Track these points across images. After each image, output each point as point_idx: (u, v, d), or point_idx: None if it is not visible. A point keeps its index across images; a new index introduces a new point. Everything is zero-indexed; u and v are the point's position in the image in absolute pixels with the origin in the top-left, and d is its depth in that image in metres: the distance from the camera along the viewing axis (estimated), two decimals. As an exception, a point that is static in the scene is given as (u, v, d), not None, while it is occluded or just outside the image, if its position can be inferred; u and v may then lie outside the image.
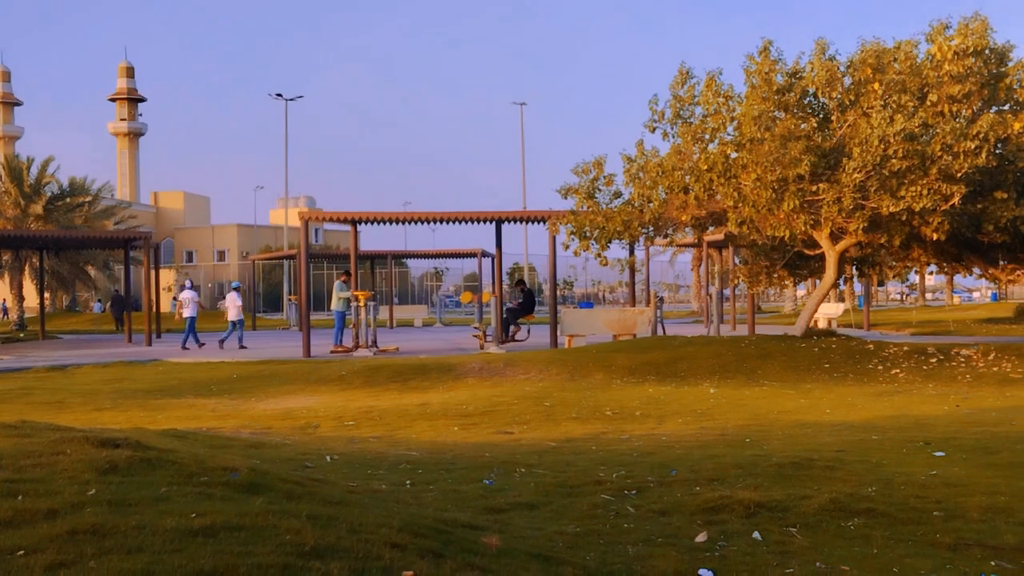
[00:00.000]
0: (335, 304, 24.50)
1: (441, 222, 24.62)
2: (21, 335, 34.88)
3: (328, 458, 7.66)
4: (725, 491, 6.00)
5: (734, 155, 17.28)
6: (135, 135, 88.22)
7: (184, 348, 26.11)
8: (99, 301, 58.11)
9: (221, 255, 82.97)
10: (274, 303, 70.03)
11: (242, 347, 26.31)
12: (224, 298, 22.29)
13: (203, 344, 26.60)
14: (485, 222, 24.83)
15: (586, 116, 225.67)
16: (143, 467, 4.93)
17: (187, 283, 28.49)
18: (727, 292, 38.01)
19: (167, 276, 64.70)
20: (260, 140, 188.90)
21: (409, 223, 24.62)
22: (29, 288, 49.99)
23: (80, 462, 4.92)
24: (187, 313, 27.53)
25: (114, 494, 4.34)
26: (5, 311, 59.05)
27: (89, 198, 44.66)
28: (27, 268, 42.56)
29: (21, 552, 3.56)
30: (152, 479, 4.70)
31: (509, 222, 25.31)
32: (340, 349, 23.37)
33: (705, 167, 17.23)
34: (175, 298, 66.85)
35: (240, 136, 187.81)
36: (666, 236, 21.40)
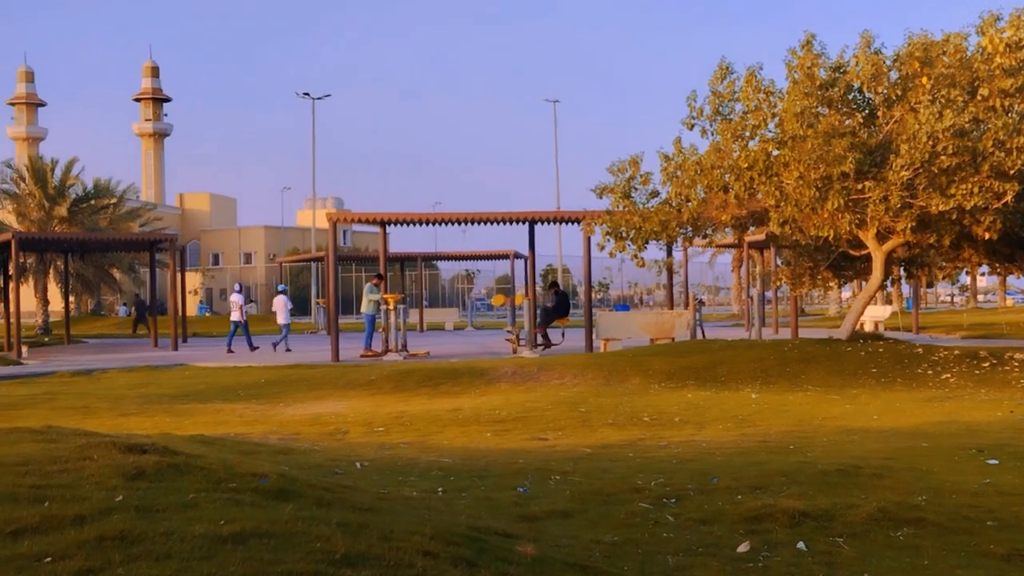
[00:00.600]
0: (365, 307, 24.63)
1: (472, 223, 24.66)
2: (46, 339, 35.37)
3: (358, 464, 7.70)
4: (768, 499, 5.97)
5: (776, 152, 17.18)
6: (160, 136, 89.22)
7: (229, 351, 26.56)
8: (124, 304, 58.83)
9: (248, 257, 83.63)
10: (302, 306, 70.50)
11: (287, 350, 26.74)
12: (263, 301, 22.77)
13: (256, 347, 26.98)
14: (518, 223, 24.85)
15: (621, 114, 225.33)
16: (171, 473, 4.98)
17: (236, 286, 28.92)
18: (769, 294, 37.77)
19: (193, 279, 65.33)
20: (287, 141, 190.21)
21: (439, 224, 24.69)
22: (54, 291, 50.65)
23: (107, 468, 4.99)
24: (235, 317, 27.91)
25: (142, 500, 4.39)
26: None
27: (114, 200, 45.15)
28: (51, 271, 43.12)
29: (49, 559, 3.60)
30: (180, 485, 4.74)
31: (542, 223, 25.31)
32: (370, 353, 23.48)
33: (745, 165, 17.15)
34: (202, 301, 67.67)
35: (267, 137, 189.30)
36: (705, 236, 21.32)
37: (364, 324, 24.77)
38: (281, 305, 27.72)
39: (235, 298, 28.21)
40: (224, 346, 27.71)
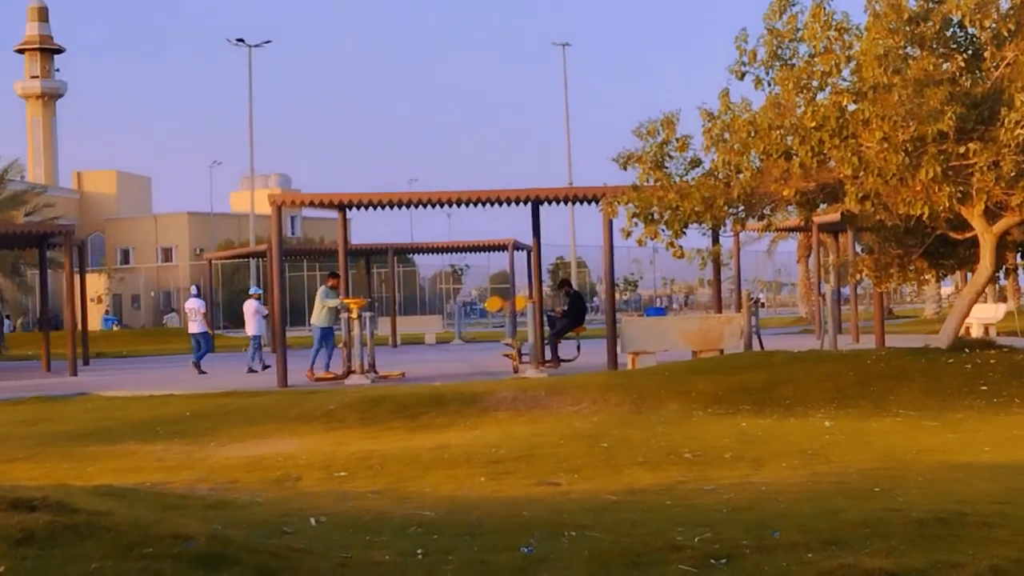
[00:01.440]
0: (318, 317, 24.65)
1: (459, 204, 24.64)
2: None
3: (313, 520, 7.69)
4: (847, 558, 5.97)
5: (852, 107, 17.17)
6: (51, 97, 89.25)
7: (201, 371, 27.22)
8: (7, 317, 58.79)
9: (167, 254, 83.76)
10: (237, 316, 70.41)
11: (257, 369, 27.40)
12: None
13: (204, 372, 27.36)
14: (518, 203, 24.86)
15: (650, 61, 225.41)
16: (68, 536, 4.98)
17: (193, 289, 29.61)
18: (846, 292, 37.80)
19: (96, 282, 65.39)
20: (217, 104, 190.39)
21: (416, 206, 24.66)
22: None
23: (-14, 529, 4.98)
24: (194, 329, 28.42)
25: (30, 572, 4.39)
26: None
27: (-9, 181, 45.23)
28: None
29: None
30: (80, 551, 4.74)
31: (550, 203, 25.33)
32: (325, 376, 23.49)
33: (813, 124, 17.13)
34: (109, 312, 67.69)
35: (190, 99, 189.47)
36: (762, 218, 21.29)
37: (314, 339, 24.82)
38: (252, 312, 28.36)
39: (193, 303, 28.60)
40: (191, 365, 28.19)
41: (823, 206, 21.08)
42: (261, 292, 29.97)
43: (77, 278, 33.52)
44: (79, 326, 32.97)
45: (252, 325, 28.36)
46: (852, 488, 8.90)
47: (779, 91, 18.26)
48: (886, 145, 16.50)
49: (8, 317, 58.34)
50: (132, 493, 8.51)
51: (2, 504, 5.51)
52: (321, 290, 25.07)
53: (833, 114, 17.07)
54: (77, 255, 33.91)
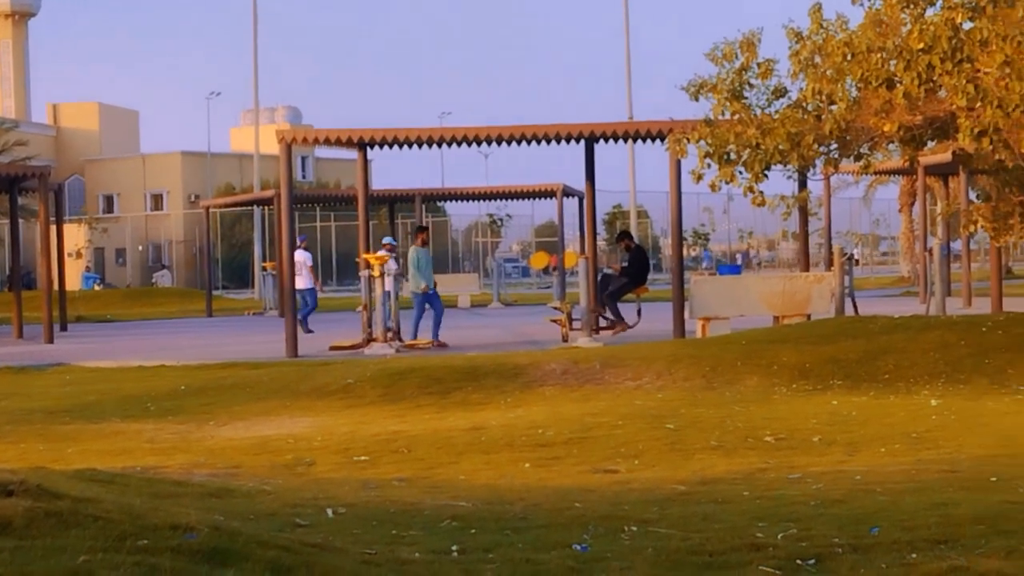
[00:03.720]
0: (415, 282, 24.86)
1: (498, 142, 24.59)
2: None
3: (330, 512, 7.76)
4: (958, 560, 5.97)
5: (968, 25, 17.01)
6: (22, 16, 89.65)
7: (307, 331, 28.02)
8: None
9: (157, 201, 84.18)
10: (240, 274, 70.87)
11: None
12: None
13: (311, 331, 28.36)
14: (568, 140, 24.75)
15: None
16: (50, 525, 5.04)
17: (299, 238, 30.40)
18: (957, 246, 37.53)
19: (75, 233, 65.80)
20: (216, 27, 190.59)
21: (447, 144, 24.61)
22: None
23: (-45, 518, 5.05)
24: (299, 284, 28.85)
25: (7, 567, 4.45)
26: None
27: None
28: None
29: None
30: (64, 542, 4.79)
31: (606, 140, 25.21)
32: (419, 344, 23.96)
33: (921, 46, 16.99)
34: (90, 268, 68.19)
35: (184, 19, 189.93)
36: (859, 158, 21.15)
37: (412, 303, 25.29)
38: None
39: (300, 256, 29.14)
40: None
41: (931, 144, 20.90)
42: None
43: (53, 229, 33.66)
44: (55, 285, 33.16)
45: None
46: (964, 478, 8.87)
47: (881, 6, 18.10)
48: (1008, 70, 16.34)
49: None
50: (120, 478, 8.59)
51: (-28, 490, 5.59)
52: (413, 252, 25.08)
53: (945, 33, 16.91)
54: (53, 202, 34.04)
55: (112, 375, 20.60)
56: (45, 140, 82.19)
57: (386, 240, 28.79)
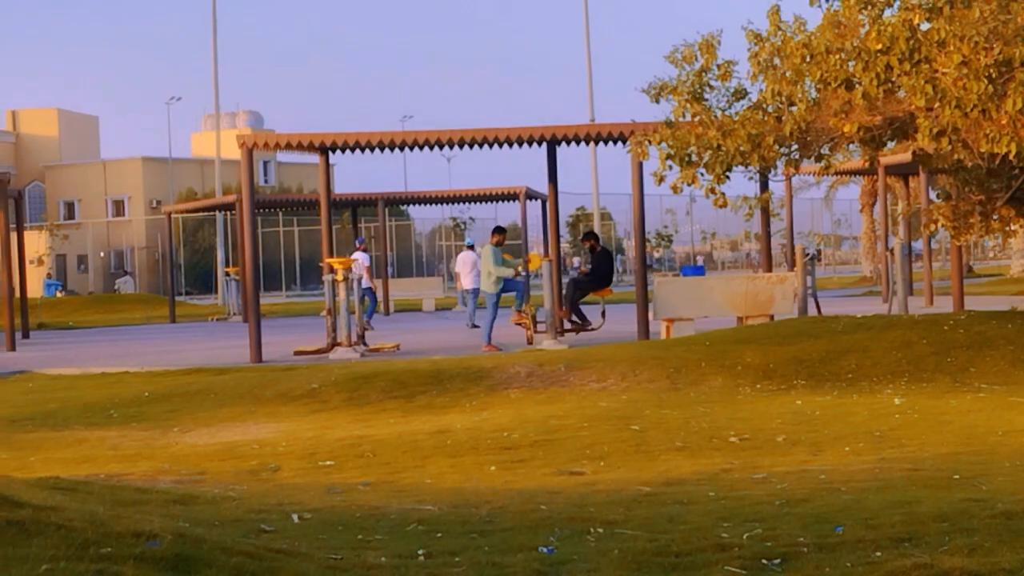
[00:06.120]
0: (488, 282, 24.64)
1: (460, 145, 24.59)
2: None
3: (296, 517, 7.74)
4: (922, 557, 5.99)
5: (926, 26, 17.09)
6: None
7: (370, 328, 28.71)
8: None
9: (118, 207, 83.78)
10: (203, 279, 70.66)
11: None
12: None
13: (372, 329, 29.08)
14: (531, 143, 24.77)
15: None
16: (12, 534, 5.01)
17: (358, 240, 32.41)
18: (918, 246, 37.72)
19: (36, 240, 65.41)
20: (176, 31, 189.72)
21: (410, 148, 24.62)
22: None
23: (-85, 529, 5.01)
24: (365, 284, 29.75)
25: (-31, 577, 4.42)
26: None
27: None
28: None
29: None
30: (26, 551, 4.77)
31: (568, 142, 25.21)
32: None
33: (879, 47, 17.06)
34: (51, 275, 67.84)
35: (144, 24, 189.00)
36: (819, 159, 21.22)
37: (484, 303, 25.30)
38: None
39: (359, 257, 30.12)
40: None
41: (891, 144, 20.99)
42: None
43: (13, 236, 33.46)
44: (16, 293, 32.97)
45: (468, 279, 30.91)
46: (927, 476, 8.91)
47: (839, 7, 18.16)
48: (966, 70, 16.42)
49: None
50: (84, 486, 8.55)
51: (-67, 500, 5.55)
52: (488, 249, 24.96)
53: (903, 34, 16.99)
54: (13, 209, 33.86)
55: (75, 382, 20.51)
56: (4, 146, 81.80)
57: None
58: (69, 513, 5.65)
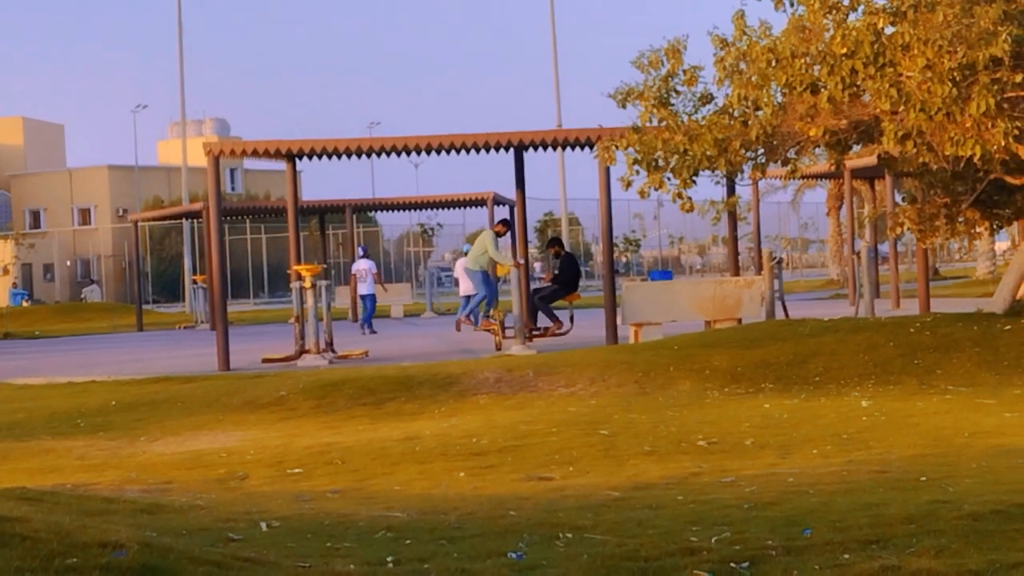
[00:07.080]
0: (474, 261, 25.33)
1: (428, 151, 24.59)
2: None
3: (264, 525, 7.72)
4: (889, 559, 6.01)
5: (890, 30, 17.16)
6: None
7: (371, 331, 31.47)
8: None
9: (84, 215, 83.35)
10: (171, 288, 70.39)
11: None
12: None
13: (375, 332, 31.60)
14: (498, 149, 24.80)
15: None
16: (-23, 546, 4.97)
17: (361, 249, 34.11)
18: (884, 249, 37.90)
19: (1, 249, 65.01)
20: (142, 38, 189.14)
21: (377, 155, 24.60)
22: None
23: None
24: (363, 290, 32.68)
25: (-67, 589, 4.39)
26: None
27: None
28: None
29: None
30: (-9, 564, 4.74)
31: (535, 148, 25.25)
32: (490, 327, 24.49)
33: (844, 51, 17.12)
34: (17, 284, 67.39)
35: (110, 33, 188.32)
36: (785, 163, 21.28)
37: (477, 287, 25.83)
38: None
39: (364, 264, 32.88)
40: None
41: (856, 148, 21.06)
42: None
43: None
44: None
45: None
46: (894, 478, 8.94)
47: (803, 12, 18.21)
48: (930, 74, 16.49)
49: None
50: (50, 496, 8.50)
51: None
52: (488, 233, 25.52)
53: (867, 38, 17.05)
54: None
55: (41, 392, 20.39)
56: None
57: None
58: (35, 524, 5.62)
